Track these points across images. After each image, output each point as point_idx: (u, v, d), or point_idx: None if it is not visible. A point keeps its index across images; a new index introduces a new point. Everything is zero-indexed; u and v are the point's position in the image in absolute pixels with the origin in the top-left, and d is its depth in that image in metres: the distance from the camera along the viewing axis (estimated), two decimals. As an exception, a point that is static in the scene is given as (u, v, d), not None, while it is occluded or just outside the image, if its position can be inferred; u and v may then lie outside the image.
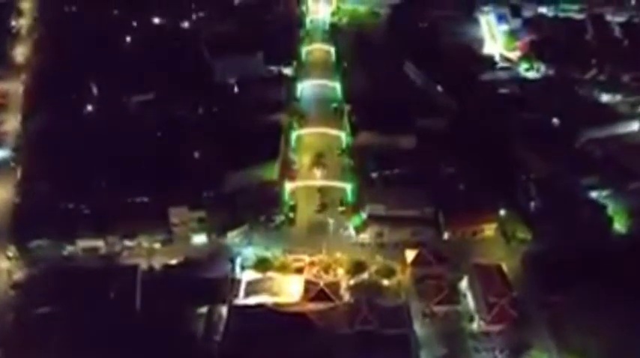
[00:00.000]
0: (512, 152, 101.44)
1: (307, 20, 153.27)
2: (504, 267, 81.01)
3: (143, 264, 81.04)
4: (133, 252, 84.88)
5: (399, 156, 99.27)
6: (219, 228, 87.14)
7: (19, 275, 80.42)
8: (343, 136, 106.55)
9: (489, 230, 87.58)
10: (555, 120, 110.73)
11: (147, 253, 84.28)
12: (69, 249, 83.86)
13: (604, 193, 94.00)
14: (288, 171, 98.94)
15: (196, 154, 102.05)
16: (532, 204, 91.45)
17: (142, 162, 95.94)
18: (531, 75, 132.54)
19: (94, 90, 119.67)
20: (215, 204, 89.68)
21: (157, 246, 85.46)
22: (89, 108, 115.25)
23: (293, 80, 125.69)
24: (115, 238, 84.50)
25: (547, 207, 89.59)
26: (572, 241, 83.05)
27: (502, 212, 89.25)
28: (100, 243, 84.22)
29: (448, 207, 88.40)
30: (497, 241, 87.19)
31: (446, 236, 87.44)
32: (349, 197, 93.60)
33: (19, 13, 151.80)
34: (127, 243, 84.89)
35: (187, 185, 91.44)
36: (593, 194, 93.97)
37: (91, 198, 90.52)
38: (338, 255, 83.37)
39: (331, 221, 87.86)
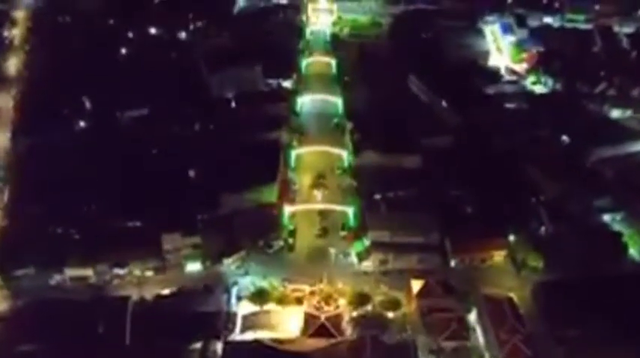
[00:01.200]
0: (521, 172, 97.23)
1: (307, 31, 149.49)
2: (515, 298, 77.03)
3: (134, 295, 76.95)
4: (123, 280, 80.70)
5: (403, 177, 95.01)
6: (215, 255, 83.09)
7: (2, 307, 76.19)
8: (345, 155, 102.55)
9: (498, 256, 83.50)
10: (565, 138, 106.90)
11: (138, 282, 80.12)
12: (56, 278, 79.64)
13: (617, 216, 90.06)
14: (287, 193, 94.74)
15: (191, 173, 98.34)
16: (543, 228, 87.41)
17: (136, 181, 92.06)
18: (538, 89, 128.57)
19: (87, 104, 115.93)
20: (210, 228, 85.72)
21: (149, 274, 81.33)
22: (82, 124, 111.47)
23: (293, 94, 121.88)
24: (104, 266, 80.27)
25: (559, 233, 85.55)
26: (587, 270, 79.14)
27: (511, 237, 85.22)
28: (89, 272, 79.93)
29: (455, 232, 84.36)
30: (506, 269, 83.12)
31: (453, 263, 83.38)
32: (351, 221, 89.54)
33: (13, 23, 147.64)
34: (118, 271, 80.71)
35: (182, 207, 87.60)
36: (606, 217, 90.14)
37: (81, 222, 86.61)
38: (340, 284, 79.26)
39: (332, 249, 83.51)
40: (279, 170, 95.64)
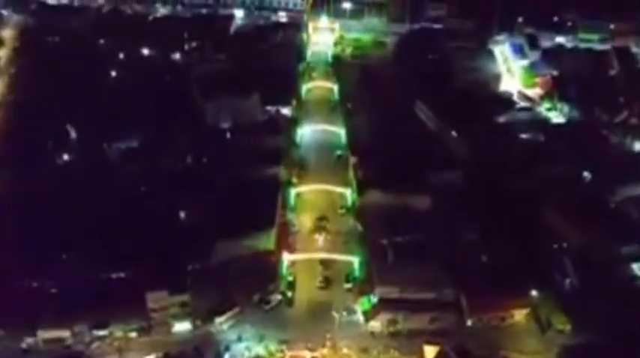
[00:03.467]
0: (540, 214, 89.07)
1: (308, 52, 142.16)
2: (540, 364, 69.31)
3: (114, 362, 69.07)
4: (103, 342, 72.18)
5: (411, 219, 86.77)
6: (206, 313, 74.96)
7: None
8: (348, 194, 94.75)
9: (519, 315, 75.47)
10: (586, 175, 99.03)
11: (120, 345, 71.81)
12: (28, 340, 71.10)
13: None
14: (286, 238, 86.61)
15: (182, 215, 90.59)
16: (567, 281, 79.41)
17: (121, 224, 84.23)
18: (554, 115, 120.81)
19: (73, 134, 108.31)
20: (201, 280, 77.69)
21: (133, 335, 73.11)
22: (65, 157, 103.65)
23: (292, 123, 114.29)
24: (83, 327, 72.09)
25: (585, 287, 77.51)
26: (619, 331, 70.82)
27: (533, 292, 77.17)
28: (65, 334, 71.49)
29: (470, 286, 76.10)
30: (529, 329, 74.66)
31: (469, 322, 75.38)
32: (356, 271, 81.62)
33: (0, 43, 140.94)
34: (98, 332, 72.40)
35: (171, 255, 79.47)
36: (636, 267, 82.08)
37: (59, 274, 78.28)
38: (344, 349, 71.02)
39: (336, 313, 74.48)
40: (277, 213, 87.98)
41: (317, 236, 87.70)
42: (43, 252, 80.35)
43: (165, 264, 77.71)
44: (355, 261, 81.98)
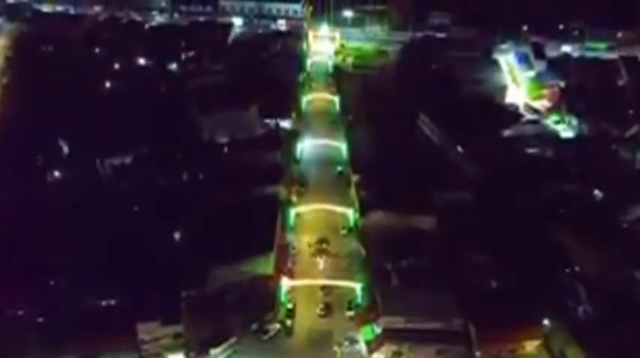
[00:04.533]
0: (550, 236, 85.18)
1: (308, 62, 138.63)
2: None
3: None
4: (92, 376, 68.94)
5: (416, 242, 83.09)
6: (200, 343, 71.21)
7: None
8: (350, 214, 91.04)
9: (531, 346, 71.71)
10: (597, 193, 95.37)
11: (109, 379, 68.45)
12: (12, 376, 67.91)
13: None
14: (285, 262, 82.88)
15: (177, 236, 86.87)
16: (581, 309, 75.63)
17: (113, 248, 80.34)
18: (562, 129, 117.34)
19: (65, 149, 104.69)
20: (195, 308, 73.84)
21: (123, 367, 69.83)
22: (56, 174, 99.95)
23: (292, 137, 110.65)
24: (71, 360, 68.62)
25: (600, 316, 73.65)
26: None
27: (546, 322, 73.39)
28: (51, 368, 68.28)
29: (479, 315, 72.04)
30: (541, 360, 71.57)
31: (478, 354, 71.44)
32: (359, 298, 77.97)
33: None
34: (86, 365, 69.05)
35: (164, 281, 75.85)
36: (652, 293, 78.37)
37: (45, 302, 74.39)
38: (347, 384, 67.74)
39: (338, 335, 71.29)
40: (276, 235, 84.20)
41: (317, 259, 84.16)
42: (28, 278, 76.31)
43: (157, 290, 74.00)
44: (357, 286, 78.39)
